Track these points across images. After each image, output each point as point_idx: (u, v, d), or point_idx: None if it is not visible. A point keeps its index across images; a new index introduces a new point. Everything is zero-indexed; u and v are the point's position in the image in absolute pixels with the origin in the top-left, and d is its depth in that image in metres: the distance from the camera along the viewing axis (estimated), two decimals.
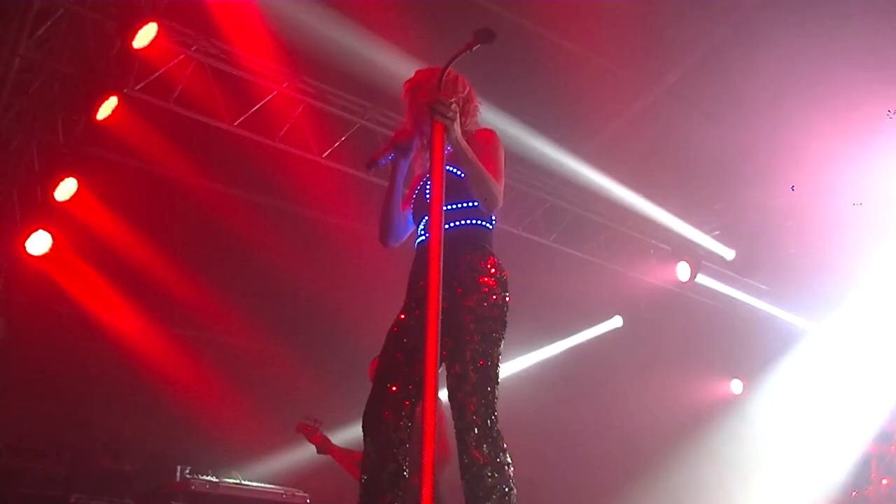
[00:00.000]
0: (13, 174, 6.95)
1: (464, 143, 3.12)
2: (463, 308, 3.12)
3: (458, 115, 3.02)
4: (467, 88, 3.48)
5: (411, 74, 3.53)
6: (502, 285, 3.24)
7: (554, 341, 10.23)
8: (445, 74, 3.06)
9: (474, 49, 2.97)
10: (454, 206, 3.31)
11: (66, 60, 6.42)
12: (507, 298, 3.23)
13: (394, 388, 3.19)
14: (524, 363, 9.96)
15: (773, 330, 9.84)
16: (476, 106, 3.51)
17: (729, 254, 9.32)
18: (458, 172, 3.31)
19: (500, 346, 3.15)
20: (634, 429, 9.48)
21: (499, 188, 3.24)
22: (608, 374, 9.73)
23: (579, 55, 7.47)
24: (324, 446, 5.99)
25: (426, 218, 3.37)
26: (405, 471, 3.15)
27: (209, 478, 6.43)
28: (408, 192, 3.58)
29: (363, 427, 3.20)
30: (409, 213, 3.53)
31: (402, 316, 3.33)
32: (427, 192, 3.39)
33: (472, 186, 3.21)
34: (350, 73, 6.94)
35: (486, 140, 3.38)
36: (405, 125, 3.47)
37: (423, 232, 3.40)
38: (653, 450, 9.32)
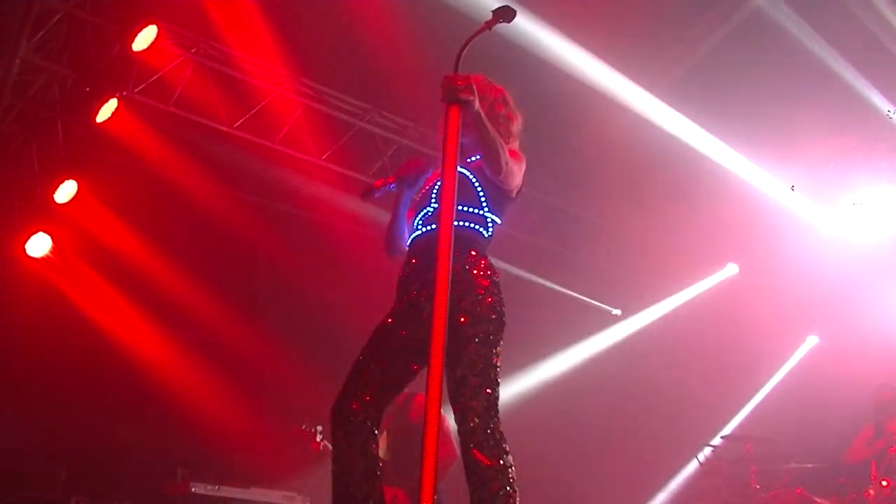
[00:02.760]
0: (13, 176, 6.96)
1: (483, 115, 3.06)
2: (459, 310, 3.11)
3: (475, 93, 2.93)
4: (495, 95, 3.47)
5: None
6: (496, 286, 3.24)
7: (556, 345, 10.19)
8: (474, 79, 2.99)
9: (493, 28, 2.91)
10: (458, 207, 3.30)
11: (66, 63, 6.43)
12: (502, 300, 3.24)
13: (365, 380, 3.21)
14: (527, 369, 9.92)
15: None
16: (508, 116, 3.48)
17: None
18: (470, 176, 3.32)
19: (498, 347, 3.15)
20: (634, 429, 9.47)
21: (508, 158, 3.20)
22: (608, 375, 9.71)
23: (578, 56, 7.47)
24: (324, 453, 5.95)
25: (424, 210, 3.38)
26: (379, 461, 3.17)
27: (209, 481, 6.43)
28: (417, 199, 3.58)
29: (331, 416, 3.21)
30: (413, 219, 3.51)
31: (387, 316, 3.33)
32: (433, 188, 3.40)
33: (481, 150, 3.18)
34: (349, 76, 6.96)
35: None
36: (417, 158, 3.45)
37: (419, 226, 3.40)
38: (652, 450, 9.32)
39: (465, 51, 2.91)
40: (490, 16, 2.99)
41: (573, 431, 9.29)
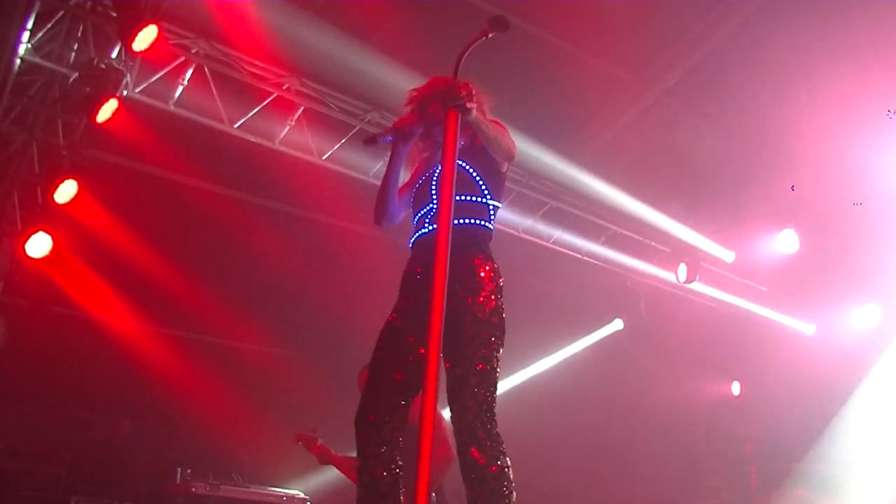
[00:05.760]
0: (13, 176, 6.95)
1: (481, 120, 3.15)
2: (463, 311, 3.13)
3: (472, 98, 2.97)
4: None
5: (408, 76, 3.54)
6: (500, 291, 3.26)
7: (555, 346, 10.20)
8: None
9: (489, 37, 2.95)
10: (459, 198, 3.30)
11: (66, 63, 6.42)
12: (503, 304, 3.24)
13: (386, 389, 3.20)
14: (526, 369, 9.92)
15: (772, 332, 9.84)
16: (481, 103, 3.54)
17: (729, 256, 9.30)
18: (466, 166, 3.33)
19: (499, 350, 3.16)
20: (634, 430, 9.47)
21: (513, 144, 3.37)
22: (609, 377, 9.72)
23: (580, 58, 7.47)
24: (324, 456, 5.93)
25: (426, 209, 3.38)
26: (400, 471, 3.16)
27: (209, 481, 6.43)
28: (408, 179, 3.59)
29: (358, 428, 3.19)
30: (406, 198, 3.53)
31: (395, 315, 3.33)
32: (432, 184, 3.40)
33: (489, 143, 3.27)
34: (349, 76, 6.95)
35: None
36: (408, 115, 3.46)
37: (424, 225, 3.40)
38: (653, 450, 9.31)
39: (464, 58, 2.93)
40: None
41: (572, 431, 9.30)
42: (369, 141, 3.44)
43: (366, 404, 3.21)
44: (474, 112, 3.01)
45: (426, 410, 2.50)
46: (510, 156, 3.39)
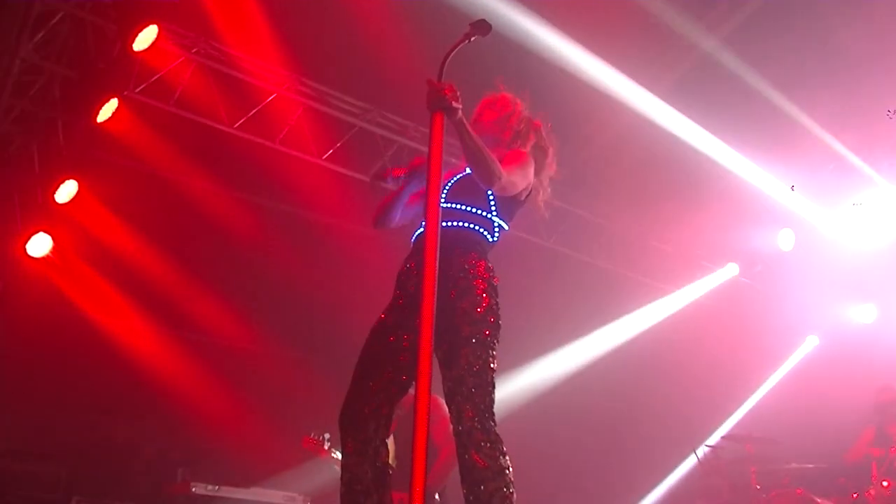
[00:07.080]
0: (13, 176, 6.95)
1: (466, 123, 3.05)
2: (457, 311, 3.11)
3: (458, 99, 2.94)
4: (514, 109, 3.52)
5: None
6: (494, 290, 3.24)
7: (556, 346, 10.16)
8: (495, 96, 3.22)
9: (472, 40, 2.96)
10: (460, 206, 3.30)
11: (67, 63, 6.43)
12: (498, 303, 3.23)
13: (374, 385, 3.18)
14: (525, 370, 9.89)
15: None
16: (528, 129, 3.54)
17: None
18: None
19: (495, 349, 3.14)
20: (634, 430, 9.46)
21: (499, 168, 3.15)
22: (611, 380, 9.70)
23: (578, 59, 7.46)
24: (332, 460, 5.91)
25: None
26: (389, 469, 3.15)
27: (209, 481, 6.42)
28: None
29: (341, 424, 3.18)
30: (414, 207, 3.48)
31: (387, 312, 3.32)
32: (444, 190, 3.39)
33: (468, 155, 3.13)
34: (349, 76, 6.95)
35: (512, 151, 3.40)
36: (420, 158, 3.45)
37: (423, 225, 3.39)
38: (653, 450, 9.31)
39: (448, 60, 2.94)
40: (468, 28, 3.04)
41: (574, 431, 9.29)
42: (378, 178, 3.39)
43: (351, 401, 3.19)
44: (459, 114, 2.98)
45: (419, 409, 2.48)
46: (489, 180, 3.14)
